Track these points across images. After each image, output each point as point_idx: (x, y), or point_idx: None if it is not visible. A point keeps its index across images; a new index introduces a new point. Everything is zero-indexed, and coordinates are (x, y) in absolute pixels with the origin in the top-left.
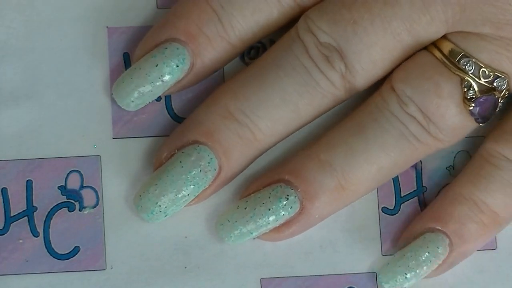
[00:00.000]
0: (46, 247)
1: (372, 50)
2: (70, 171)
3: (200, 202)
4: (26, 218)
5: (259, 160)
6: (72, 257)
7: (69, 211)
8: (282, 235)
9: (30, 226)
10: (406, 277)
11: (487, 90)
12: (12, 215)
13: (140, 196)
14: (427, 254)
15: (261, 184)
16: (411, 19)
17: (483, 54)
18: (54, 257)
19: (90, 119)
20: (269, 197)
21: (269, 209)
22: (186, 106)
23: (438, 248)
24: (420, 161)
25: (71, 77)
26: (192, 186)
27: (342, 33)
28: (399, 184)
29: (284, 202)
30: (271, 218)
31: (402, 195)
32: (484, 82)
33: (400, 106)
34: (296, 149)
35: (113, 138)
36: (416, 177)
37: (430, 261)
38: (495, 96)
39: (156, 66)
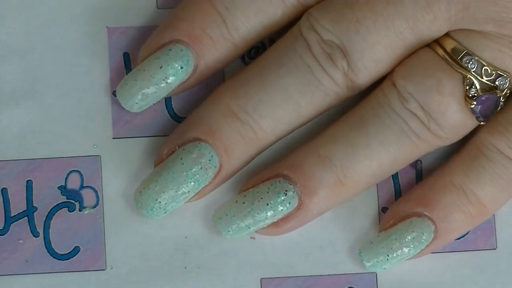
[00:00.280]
0: (46, 247)
1: (374, 49)
2: (70, 171)
3: (200, 198)
4: (26, 218)
5: (260, 156)
6: (72, 257)
7: (69, 211)
8: (280, 230)
9: (30, 226)
10: (387, 259)
11: (489, 89)
12: (12, 215)
13: (140, 192)
14: (411, 238)
15: (260, 178)
16: (414, 17)
17: (485, 53)
18: (54, 257)
19: (90, 119)
20: (268, 192)
21: (267, 204)
22: (186, 106)
23: (423, 234)
24: (420, 161)
25: (71, 77)
26: (192, 183)
27: (345, 31)
28: (399, 184)
29: (283, 198)
30: (269, 213)
31: (402, 195)
32: (486, 80)
33: (401, 103)
34: (297, 145)
35: (113, 138)
36: (416, 177)
37: (414, 246)
38: (496, 94)
39: (161, 68)
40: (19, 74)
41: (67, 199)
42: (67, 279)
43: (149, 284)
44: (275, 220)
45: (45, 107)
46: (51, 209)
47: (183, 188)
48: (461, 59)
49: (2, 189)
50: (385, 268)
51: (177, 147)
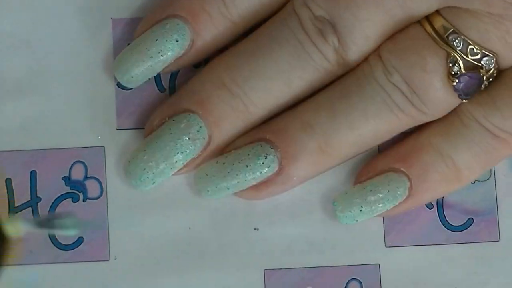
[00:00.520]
0: (50, 237)
1: (364, 25)
2: (74, 162)
3: (189, 171)
4: (30, 208)
5: None
6: (76, 247)
7: (73, 202)
8: (259, 194)
9: (34, 217)
10: (361, 210)
11: (473, 67)
12: (16, 205)
13: (129, 162)
14: (386, 192)
15: (243, 141)
16: None
17: (472, 31)
18: (58, 247)
19: (95, 110)
20: (248, 154)
21: (247, 166)
22: None
23: (398, 188)
24: None
25: (75, 68)
26: (180, 154)
27: (335, 7)
28: None
29: (262, 161)
30: (248, 175)
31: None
32: (471, 59)
33: (385, 75)
34: None
35: (117, 129)
36: None
37: (388, 199)
38: (480, 73)
39: (156, 40)
40: (24, 65)
41: (71, 189)
42: (71, 269)
43: (153, 274)
44: (255, 183)
45: (50, 98)
46: (55, 199)
47: (171, 159)
48: (447, 36)
49: (6, 179)
50: (357, 221)
51: (167, 118)
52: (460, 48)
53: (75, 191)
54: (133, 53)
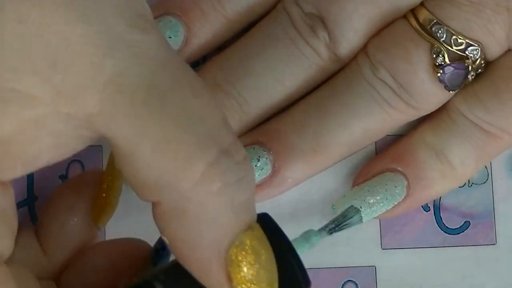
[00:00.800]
0: None
1: (352, 18)
2: (71, 161)
3: None
4: (27, 207)
5: None
6: None
7: None
8: (256, 197)
9: (31, 215)
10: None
11: (459, 58)
12: None
13: None
14: (384, 191)
15: None
16: None
17: (454, 21)
18: None
19: None
20: None
21: None
22: None
23: (396, 187)
24: None
25: None
26: None
27: (323, 2)
28: None
29: (255, 164)
30: None
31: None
32: (456, 50)
33: (372, 71)
34: None
35: None
36: None
37: (387, 199)
38: (465, 64)
39: None
40: None
41: None
42: None
43: None
44: None
45: None
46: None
47: None
48: (431, 28)
49: None
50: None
51: None
52: (443, 39)
53: None
54: None
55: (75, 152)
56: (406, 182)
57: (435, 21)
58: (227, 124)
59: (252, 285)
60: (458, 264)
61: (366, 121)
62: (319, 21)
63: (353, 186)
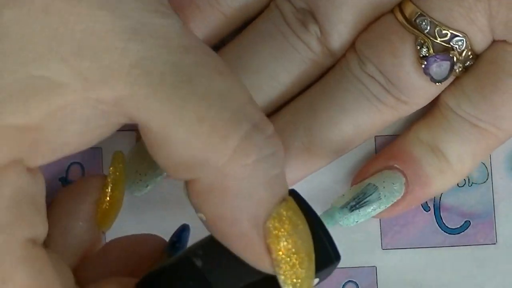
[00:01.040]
0: None
1: (341, 10)
2: (71, 163)
3: None
4: None
5: None
6: None
7: None
8: None
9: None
10: (359, 211)
11: (445, 50)
12: None
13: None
14: (382, 189)
15: None
16: None
17: (436, 12)
18: None
19: None
20: None
21: None
22: None
23: (393, 184)
24: None
25: None
26: None
27: None
28: None
29: None
30: None
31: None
32: (441, 41)
33: (360, 66)
34: None
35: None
36: None
37: (385, 195)
38: (449, 54)
39: None
40: None
41: None
42: None
43: None
44: None
45: None
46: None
47: None
48: (415, 20)
49: None
50: (357, 222)
51: None
52: (427, 30)
53: None
54: None
55: (100, 139)
56: (404, 180)
57: (419, 13)
58: (254, 101)
59: (292, 254)
60: (459, 264)
61: (356, 116)
62: (309, 15)
63: (352, 185)
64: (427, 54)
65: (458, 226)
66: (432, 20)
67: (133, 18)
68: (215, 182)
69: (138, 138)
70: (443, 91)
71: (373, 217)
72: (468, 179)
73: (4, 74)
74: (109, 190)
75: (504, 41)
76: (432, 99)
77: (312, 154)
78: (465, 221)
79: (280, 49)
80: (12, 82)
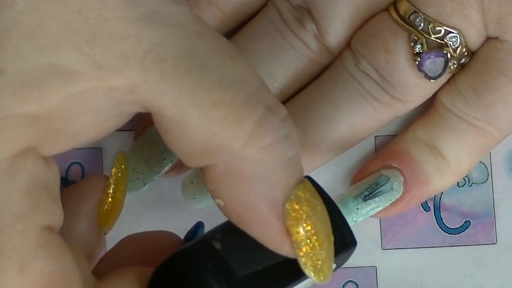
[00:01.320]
0: None
1: (336, 6)
2: (71, 163)
3: (181, 173)
4: None
5: None
6: None
7: None
8: None
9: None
10: (357, 209)
11: (439, 46)
12: None
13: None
14: (381, 188)
15: None
16: None
17: (429, 8)
18: None
19: None
20: None
21: None
22: None
23: (392, 183)
24: None
25: None
26: (167, 152)
27: None
28: None
29: None
30: None
31: None
32: (435, 38)
33: (354, 64)
34: None
35: (115, 131)
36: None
37: (383, 195)
38: (443, 51)
39: None
40: None
41: None
42: None
43: None
44: None
45: None
46: None
47: (157, 156)
48: (409, 17)
49: None
50: (355, 221)
51: None
52: (421, 27)
53: None
54: None
55: (112, 130)
56: (402, 178)
57: (413, 10)
58: (266, 85)
59: (312, 236)
60: (459, 263)
61: (351, 115)
62: (306, 12)
63: (350, 185)
64: (421, 51)
65: (458, 226)
66: (426, 16)
67: (146, 5)
68: (231, 167)
69: (136, 137)
70: (439, 90)
71: (373, 216)
72: (468, 179)
73: (18, 63)
74: (111, 191)
75: (496, 38)
76: (427, 97)
77: (309, 153)
78: (465, 221)
79: (277, 47)
80: (25, 70)
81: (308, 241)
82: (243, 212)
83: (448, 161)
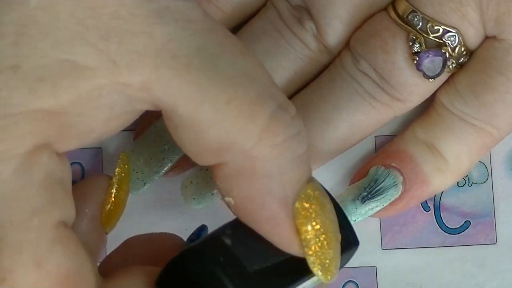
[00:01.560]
0: None
1: (335, 6)
2: (71, 163)
3: (181, 173)
4: None
5: None
6: None
7: None
8: None
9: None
10: (356, 209)
11: (437, 46)
12: None
13: None
14: (380, 187)
15: None
16: None
17: (427, 7)
18: None
19: None
20: None
21: None
22: None
23: (391, 182)
24: None
25: None
26: (167, 151)
27: None
28: None
29: None
30: None
31: None
32: (433, 37)
33: (353, 64)
34: None
35: None
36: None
37: (384, 194)
38: (442, 50)
39: None
40: None
41: None
42: None
43: None
44: None
45: None
46: None
47: (157, 156)
48: (407, 17)
49: None
50: (355, 221)
51: (154, 119)
52: (420, 26)
53: None
54: None
55: (121, 129)
56: (401, 178)
57: (411, 9)
58: (275, 82)
59: (321, 235)
60: (459, 264)
61: (350, 115)
62: (305, 12)
63: (350, 185)
64: (419, 50)
65: (458, 226)
66: (424, 16)
67: (157, 2)
68: (243, 164)
69: (136, 137)
70: (438, 89)
71: (372, 216)
72: (468, 179)
73: (33, 59)
74: (114, 191)
75: (494, 37)
76: (427, 96)
77: (308, 153)
78: (465, 221)
79: (277, 47)
80: (40, 66)
81: (317, 239)
82: (253, 210)
83: (448, 160)
